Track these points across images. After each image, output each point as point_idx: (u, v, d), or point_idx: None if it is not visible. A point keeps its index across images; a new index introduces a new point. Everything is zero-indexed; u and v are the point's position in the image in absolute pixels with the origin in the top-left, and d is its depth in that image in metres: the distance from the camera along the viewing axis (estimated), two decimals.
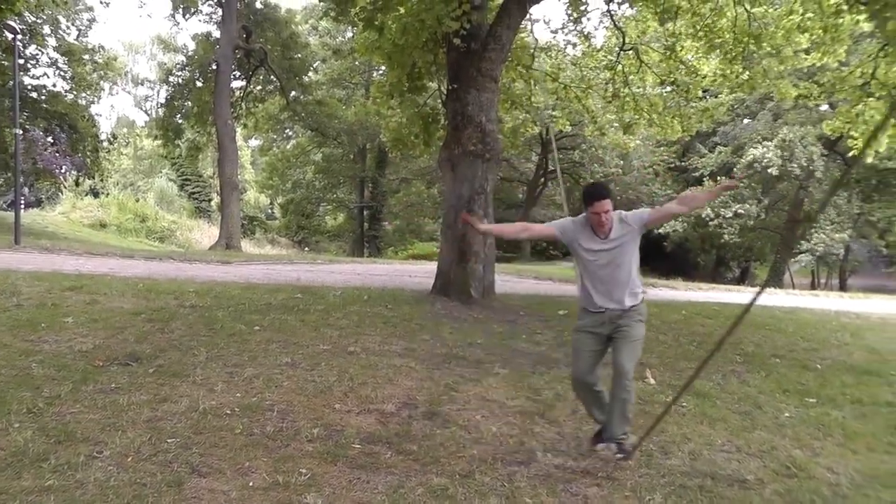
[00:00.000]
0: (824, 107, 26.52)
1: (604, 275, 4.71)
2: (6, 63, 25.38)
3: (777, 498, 4.41)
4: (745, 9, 13.07)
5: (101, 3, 32.35)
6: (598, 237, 4.71)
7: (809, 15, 12.61)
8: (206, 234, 40.00)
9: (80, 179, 34.37)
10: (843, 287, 39.47)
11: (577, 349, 4.90)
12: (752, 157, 31.61)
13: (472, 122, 11.21)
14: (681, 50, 14.57)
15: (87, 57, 30.61)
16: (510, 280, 17.50)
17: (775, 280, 33.81)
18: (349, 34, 38.95)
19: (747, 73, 13.91)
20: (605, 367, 4.89)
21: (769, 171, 30.76)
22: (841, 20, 11.94)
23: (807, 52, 13.54)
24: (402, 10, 11.31)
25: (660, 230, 37.27)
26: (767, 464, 5.00)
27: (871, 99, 12.95)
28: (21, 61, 24.97)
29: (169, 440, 4.43)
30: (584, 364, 4.84)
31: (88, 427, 4.53)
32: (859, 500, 4.54)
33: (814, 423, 6.14)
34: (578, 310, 4.99)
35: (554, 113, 18.76)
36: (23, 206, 23.02)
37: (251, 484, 3.92)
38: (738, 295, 19.63)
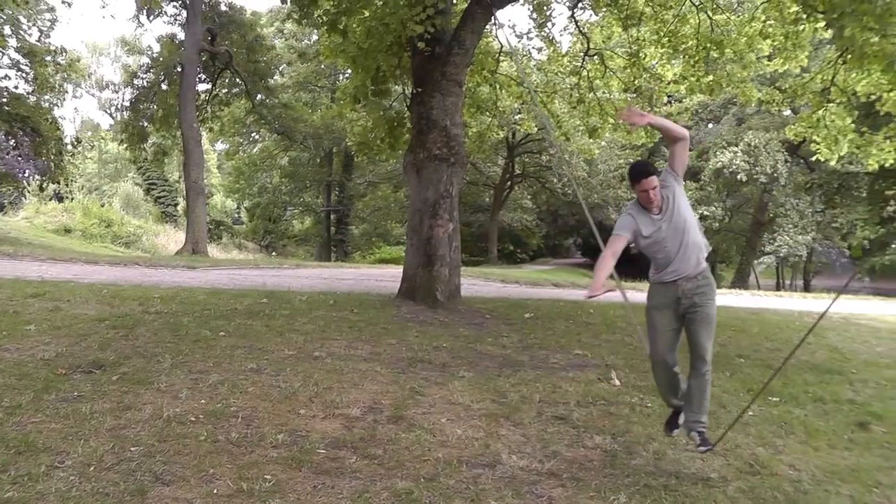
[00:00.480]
0: (787, 112, 26.95)
1: (670, 247, 4.72)
2: None
3: (740, 495, 4.49)
4: (708, 16, 13.26)
5: (63, 2, 31.86)
6: (652, 215, 4.74)
7: (771, 22, 12.80)
8: (172, 238, 39.65)
9: (45, 184, 33.90)
10: (807, 288, 40.10)
11: (654, 328, 4.89)
12: (720, 163, 32.04)
13: (436, 126, 11.24)
14: (644, 57, 14.73)
15: (49, 58, 30.12)
16: (476, 283, 17.55)
17: (741, 281, 34.28)
18: (315, 37, 38.86)
19: (710, 76, 14.09)
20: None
21: (738, 176, 31.19)
22: (801, 27, 12.12)
23: (769, 58, 13.75)
24: (366, 14, 11.31)
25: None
26: (731, 462, 5.08)
27: (831, 104, 13.17)
28: None
29: (132, 449, 4.40)
30: (662, 343, 4.86)
31: (50, 437, 4.48)
32: (820, 495, 4.63)
33: (777, 422, 6.24)
34: (650, 286, 5.03)
35: (520, 116, 18.88)
36: None
37: (215, 491, 3.91)
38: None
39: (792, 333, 11.97)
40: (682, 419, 5.01)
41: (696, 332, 4.73)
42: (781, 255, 33.06)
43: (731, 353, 9.49)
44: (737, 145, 32.20)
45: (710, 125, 37.70)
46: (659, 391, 5.21)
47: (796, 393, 7.41)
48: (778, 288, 40.43)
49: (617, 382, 7.25)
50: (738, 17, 13.65)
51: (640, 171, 4.72)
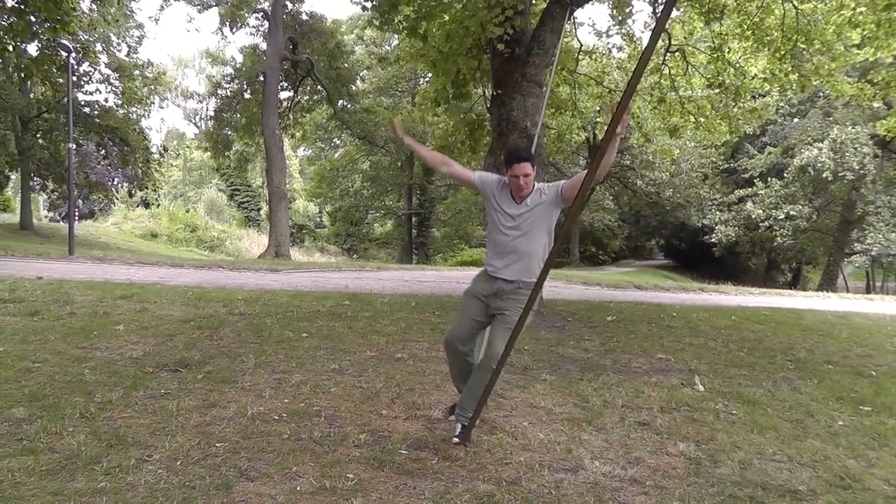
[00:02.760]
0: (877, 104, 26.02)
1: (508, 241, 4.71)
2: (61, 80, 26.05)
3: None
4: (794, 5, 12.84)
5: (150, 19, 33.13)
6: (514, 201, 4.71)
7: (861, 9, 12.32)
8: (255, 242, 40.56)
9: (132, 191, 35.07)
10: None
11: (462, 311, 4.92)
12: (804, 160, 31.09)
13: (517, 127, 11.17)
14: (728, 51, 14.37)
15: (137, 72, 31.25)
16: (558, 286, 17.41)
17: (828, 284, 33.20)
18: (394, 42, 39.21)
19: (797, 73, 13.66)
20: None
21: (823, 174, 30.22)
22: (895, 14, 11.65)
23: (858, 47, 13.25)
24: (445, 17, 11.34)
25: (709, 237, 36.80)
26: (820, 474, 4.85)
27: None
28: (74, 78, 25.54)
29: (217, 444, 4.47)
30: (463, 329, 4.87)
31: (139, 431, 4.60)
32: None
33: (869, 433, 5.96)
34: (479, 273, 5.01)
35: (599, 120, 18.66)
36: (76, 218, 23.57)
37: (298, 488, 3.93)
38: (790, 299, 19.30)
39: (884, 339, 11.54)
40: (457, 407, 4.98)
41: (495, 330, 4.73)
42: (872, 254, 31.83)
43: (818, 359, 9.19)
44: (822, 141, 31.17)
45: (796, 120, 36.60)
46: (450, 372, 5.24)
47: (890, 402, 7.09)
48: (868, 291, 38.99)
49: (701, 388, 7.06)
50: (826, 5, 13.17)
51: (515, 156, 4.66)
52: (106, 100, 30.71)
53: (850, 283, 42.39)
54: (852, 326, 12.66)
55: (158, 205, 45.36)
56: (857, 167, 29.69)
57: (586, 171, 4.51)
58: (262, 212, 49.82)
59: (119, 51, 30.96)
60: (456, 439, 4.79)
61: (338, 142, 50.29)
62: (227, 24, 30.30)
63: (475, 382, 4.78)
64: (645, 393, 6.61)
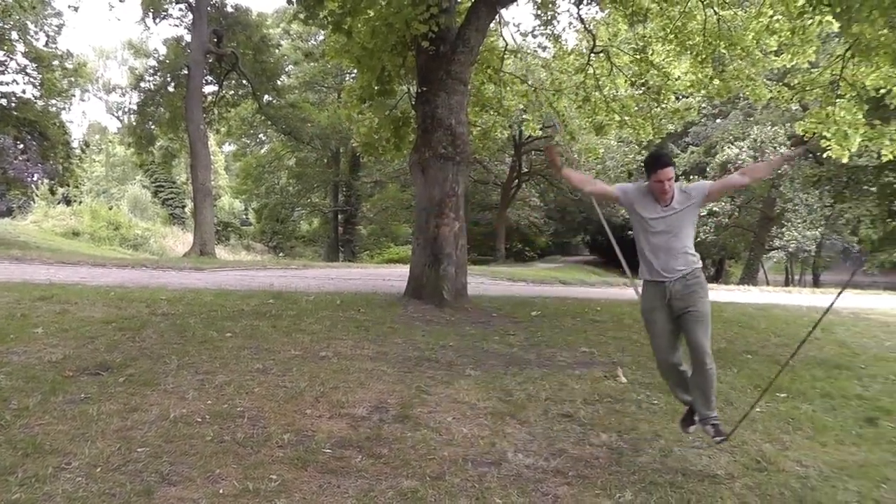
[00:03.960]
0: (795, 106, 26.87)
1: (660, 242, 4.73)
2: None
3: (747, 492, 4.47)
4: (715, 11, 13.21)
5: (69, 7, 32.06)
6: (658, 205, 4.73)
7: (778, 17, 12.74)
8: (180, 240, 39.80)
9: (53, 188, 34.08)
10: (816, 283, 39.93)
11: (653, 330, 4.91)
12: (725, 157, 31.98)
13: (442, 124, 11.25)
14: (651, 53, 14.69)
15: (56, 63, 30.26)
16: (484, 282, 17.55)
17: (749, 278, 34.16)
18: (321, 37, 38.89)
19: (717, 80, 14.05)
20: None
21: None
22: (809, 21, 12.07)
23: (777, 53, 13.69)
24: (370, 14, 11.32)
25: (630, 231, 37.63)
26: (738, 458, 5.06)
27: (840, 100, 13.11)
28: None
29: (139, 450, 4.41)
30: (664, 344, 4.86)
31: (57, 438, 4.50)
32: (827, 491, 4.60)
33: (784, 418, 6.22)
34: (642, 285, 5.00)
35: (525, 116, 18.86)
36: None
37: (221, 491, 3.92)
38: (712, 293, 19.69)
39: (800, 329, 11.93)
40: (696, 416, 4.98)
41: (692, 330, 4.70)
42: (790, 250, 32.92)
43: (738, 349, 9.48)
44: (743, 140, 32.12)
45: (718, 120, 37.56)
46: (669, 387, 5.23)
47: (804, 388, 7.39)
48: (787, 284, 40.25)
49: (623, 380, 7.24)
50: (745, 12, 13.58)
51: (658, 161, 4.71)
52: (23, 91, 29.66)
53: (771, 276, 43.64)
54: (771, 318, 13.05)
55: (80, 202, 44.14)
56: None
57: (738, 173, 4.88)
58: (186, 209, 48.84)
59: (37, 40, 29.94)
60: (718, 438, 4.82)
61: (263, 137, 49.70)
62: (150, 14, 29.61)
63: (706, 384, 4.75)
64: (569, 386, 6.75)
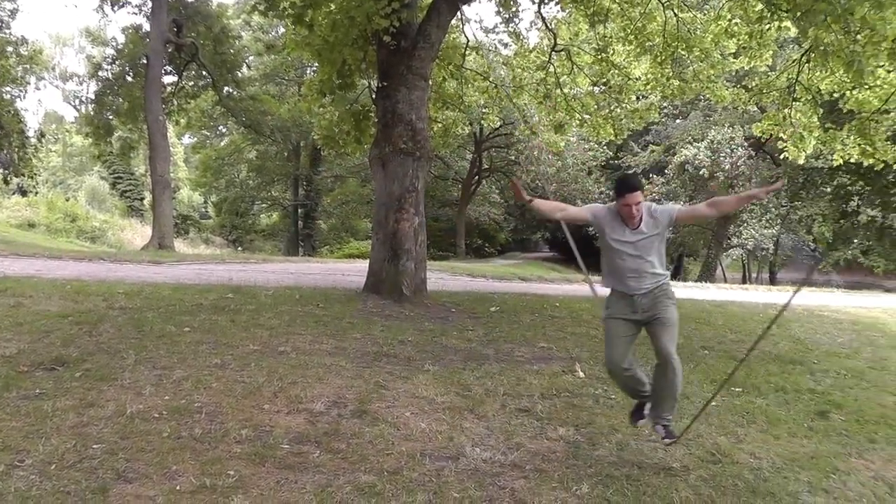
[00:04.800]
0: (753, 108, 27.32)
1: (629, 265, 4.78)
2: None
3: (701, 483, 4.58)
4: (674, 13, 13.39)
5: None
6: (627, 228, 4.78)
7: (736, 21, 12.97)
8: (138, 233, 39.28)
9: (7, 177, 33.47)
10: (772, 281, 40.56)
11: (610, 333, 4.94)
12: (683, 157, 32.39)
13: (402, 120, 11.26)
14: (612, 53, 14.84)
15: (10, 49, 29.73)
16: (444, 278, 17.58)
17: (707, 275, 34.58)
18: (282, 29, 38.59)
19: (677, 80, 14.24)
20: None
21: (700, 171, 31.56)
22: (767, 26, 12.29)
23: (735, 55, 13.93)
24: (332, 7, 11.28)
25: (592, 229, 37.90)
26: (693, 451, 5.17)
27: (796, 102, 13.37)
28: None
29: (95, 446, 4.39)
30: (618, 351, 4.88)
31: (10, 435, 4.47)
32: (779, 482, 4.74)
33: (739, 411, 6.37)
34: (608, 295, 5.03)
35: (485, 111, 18.95)
36: None
37: (178, 488, 3.92)
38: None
39: (755, 325, 12.16)
40: (647, 409, 5.08)
41: (657, 335, 4.77)
42: (748, 248, 33.46)
43: (695, 345, 9.63)
44: (701, 141, 32.55)
45: (678, 120, 37.96)
46: (621, 389, 5.32)
47: (758, 383, 7.57)
48: (745, 281, 40.85)
49: (581, 374, 7.34)
50: (704, 15, 13.79)
51: (627, 185, 4.76)
52: None
53: (729, 274, 44.25)
54: (727, 314, 13.27)
55: (36, 192, 43.44)
56: (728, 167, 31.21)
57: (705, 205, 4.84)
58: (145, 201, 48.22)
59: None
60: (667, 440, 4.88)
61: (223, 130, 49.23)
62: (108, 1, 29.13)
63: (669, 389, 4.78)
64: (526, 381, 6.82)
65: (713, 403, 6.22)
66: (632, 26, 13.92)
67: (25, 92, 33.06)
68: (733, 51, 13.70)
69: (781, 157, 15.64)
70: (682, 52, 13.83)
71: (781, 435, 5.79)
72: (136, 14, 31.93)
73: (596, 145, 35.73)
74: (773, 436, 5.74)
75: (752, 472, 4.87)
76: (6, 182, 34.70)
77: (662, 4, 13.43)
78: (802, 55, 12.74)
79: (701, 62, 13.89)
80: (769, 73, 14.68)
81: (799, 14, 9.45)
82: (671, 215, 4.82)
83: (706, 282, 28.67)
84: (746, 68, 14.16)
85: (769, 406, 6.65)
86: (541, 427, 5.50)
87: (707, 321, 12.13)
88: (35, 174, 36.82)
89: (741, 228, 33.05)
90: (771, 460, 5.12)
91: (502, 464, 4.66)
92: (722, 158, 31.18)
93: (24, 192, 42.80)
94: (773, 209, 33.07)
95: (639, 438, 5.36)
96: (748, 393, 7.12)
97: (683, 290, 19.32)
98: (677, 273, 44.27)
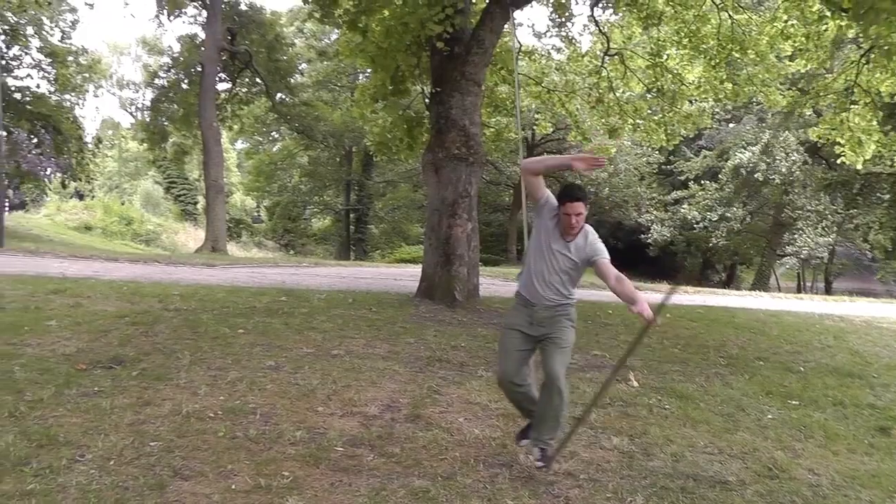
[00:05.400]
0: (809, 112, 26.83)
1: (545, 270, 4.55)
2: None
3: (758, 499, 4.46)
4: (729, 15, 13.18)
5: (85, 4, 32.20)
6: (561, 238, 4.55)
7: (793, 22, 12.71)
8: (191, 236, 39.88)
9: (66, 182, 34.26)
10: (828, 290, 39.67)
11: (505, 346, 4.71)
12: (737, 161, 31.86)
13: (455, 125, 11.25)
14: (666, 58, 14.65)
15: (70, 58, 30.46)
16: (495, 283, 17.52)
17: (761, 283, 34.01)
18: (334, 36, 38.90)
19: (730, 84, 14.01)
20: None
21: (755, 176, 31.02)
22: (824, 27, 12.03)
23: (791, 58, 13.65)
24: (385, 13, 11.34)
25: (645, 235, 37.46)
26: (749, 465, 5.03)
27: (855, 106, 13.05)
28: (3, 62, 24.80)
29: (152, 444, 4.43)
30: (511, 364, 4.64)
31: (71, 431, 4.53)
32: (839, 500, 4.58)
33: (796, 425, 6.19)
34: (512, 305, 4.85)
35: (537, 116, 18.86)
36: (7, 209, 22.94)
37: (233, 487, 3.93)
38: (724, 298, 19.69)
39: (812, 336, 11.89)
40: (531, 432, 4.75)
41: (549, 354, 4.51)
42: (802, 256, 32.74)
43: (749, 356, 9.44)
44: (755, 145, 31.99)
45: (731, 125, 37.40)
46: (511, 403, 5.04)
47: (816, 396, 7.37)
48: (799, 290, 40.03)
49: (635, 384, 7.23)
50: (759, 16, 13.54)
51: (570, 194, 4.48)
52: (38, 86, 29.81)
53: (782, 282, 43.40)
54: (782, 324, 13.00)
55: (93, 196, 44.35)
56: (785, 171, 30.59)
57: (614, 279, 4.43)
58: (198, 205, 48.85)
59: (51, 35, 30.13)
60: (539, 464, 4.57)
61: (276, 135, 49.73)
62: (165, 11, 29.70)
63: (547, 409, 4.51)
64: (580, 389, 6.72)
65: (769, 416, 6.10)
66: (686, 29, 13.75)
67: (84, 99, 33.81)
68: (789, 53, 13.43)
69: (838, 161, 15.28)
70: (737, 55, 13.60)
71: (840, 451, 5.61)
72: (191, 23, 32.60)
73: (649, 150, 35.34)
74: (831, 451, 5.57)
75: (811, 488, 4.71)
76: (64, 186, 35.50)
77: (717, 6, 13.23)
78: (862, 56, 12.44)
79: (755, 65, 13.64)
80: (826, 76, 14.34)
81: (860, 13, 9.21)
82: (593, 257, 4.56)
83: (760, 290, 28.21)
84: (802, 71, 13.85)
85: (827, 420, 6.45)
86: (595, 436, 5.41)
87: (762, 331, 11.90)
88: (92, 179, 37.62)
89: (796, 236, 32.35)
90: (830, 477, 4.95)
91: (556, 472, 4.59)
92: (777, 163, 30.58)
93: (81, 196, 43.76)
94: (829, 216, 32.32)
95: (694, 450, 5.25)
96: (805, 406, 6.93)
97: (737, 299, 19.04)
98: (730, 281, 43.57)
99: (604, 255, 4.56)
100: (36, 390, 5.28)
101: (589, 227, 4.62)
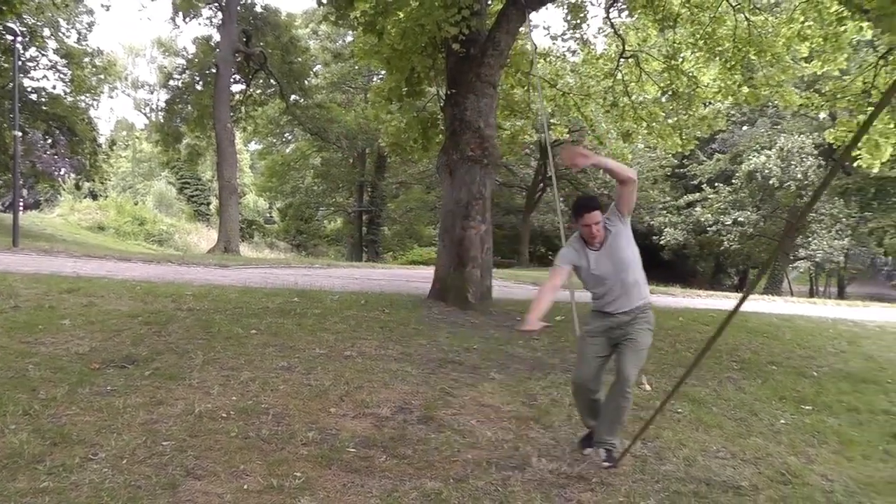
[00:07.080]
0: (823, 115, 26.66)
1: (608, 281, 4.72)
2: (6, 65, 25.52)
3: None
4: (745, 17, 13.10)
5: (101, 6, 32.44)
6: (592, 249, 4.73)
7: (809, 23, 12.62)
8: (204, 237, 40.01)
9: (80, 182, 34.45)
10: (841, 295, 39.46)
11: (583, 354, 4.92)
12: (752, 165, 31.72)
13: (470, 127, 11.23)
14: (682, 61, 14.58)
15: (86, 60, 30.69)
16: (508, 285, 17.51)
17: (774, 287, 33.84)
18: (349, 38, 38.96)
19: (746, 87, 13.93)
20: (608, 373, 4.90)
21: (769, 181, 30.87)
22: (843, 28, 11.94)
23: (807, 60, 13.55)
24: (401, 15, 11.34)
25: (658, 238, 37.34)
26: (762, 470, 5.00)
27: (872, 108, 12.91)
28: (21, 63, 24.97)
29: (164, 443, 4.44)
30: (588, 370, 4.85)
31: (84, 429, 4.54)
32: None
33: (809, 431, 6.15)
34: (589, 313, 4.99)
35: (553, 121, 18.80)
36: (21, 208, 23.06)
37: (245, 487, 3.93)
38: (735, 302, 19.60)
39: (825, 341, 11.82)
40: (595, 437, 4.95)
41: (623, 356, 4.72)
42: (816, 260, 32.58)
43: (762, 360, 9.40)
44: (770, 149, 31.85)
45: (745, 128, 37.26)
46: (578, 411, 5.21)
47: (830, 402, 7.32)
48: (812, 295, 39.82)
49: (648, 387, 7.20)
50: (776, 18, 13.45)
51: (584, 206, 4.70)
52: (54, 87, 30.13)
53: (795, 287, 43.20)
54: (795, 329, 12.92)
55: (106, 196, 44.52)
56: (800, 176, 30.43)
57: (624, 183, 4.67)
58: (211, 206, 49.09)
59: (68, 37, 30.36)
60: (606, 464, 4.74)
61: (289, 136, 49.81)
62: (180, 13, 29.82)
63: (613, 412, 4.77)
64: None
65: (782, 422, 6.06)
66: (701, 31, 13.66)
67: (99, 100, 34.02)
68: (805, 55, 13.33)
69: (854, 165, 15.16)
70: (753, 57, 13.51)
71: (855, 457, 5.57)
72: (206, 25, 32.76)
73: (662, 154, 35.26)
74: (845, 458, 5.53)
75: (824, 494, 4.68)
76: (78, 187, 35.73)
77: (733, 7, 13.15)
78: (880, 58, 12.33)
79: (771, 67, 13.55)
80: (843, 78, 14.22)
81: (882, 13, 9.12)
82: (614, 211, 4.76)
83: (773, 294, 28.06)
84: (819, 73, 13.74)
85: (841, 426, 6.41)
86: None
87: (775, 335, 11.83)
88: (105, 179, 37.84)
89: (810, 240, 32.20)
90: (844, 483, 4.91)
91: (568, 475, 4.57)
92: (793, 167, 30.42)
93: (94, 196, 43.94)
94: (844, 219, 32.13)
95: (707, 454, 5.22)
96: (819, 412, 6.89)
97: (749, 304, 18.91)
98: (742, 285, 43.38)
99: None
100: (49, 389, 5.30)
101: (604, 219, 4.77)
